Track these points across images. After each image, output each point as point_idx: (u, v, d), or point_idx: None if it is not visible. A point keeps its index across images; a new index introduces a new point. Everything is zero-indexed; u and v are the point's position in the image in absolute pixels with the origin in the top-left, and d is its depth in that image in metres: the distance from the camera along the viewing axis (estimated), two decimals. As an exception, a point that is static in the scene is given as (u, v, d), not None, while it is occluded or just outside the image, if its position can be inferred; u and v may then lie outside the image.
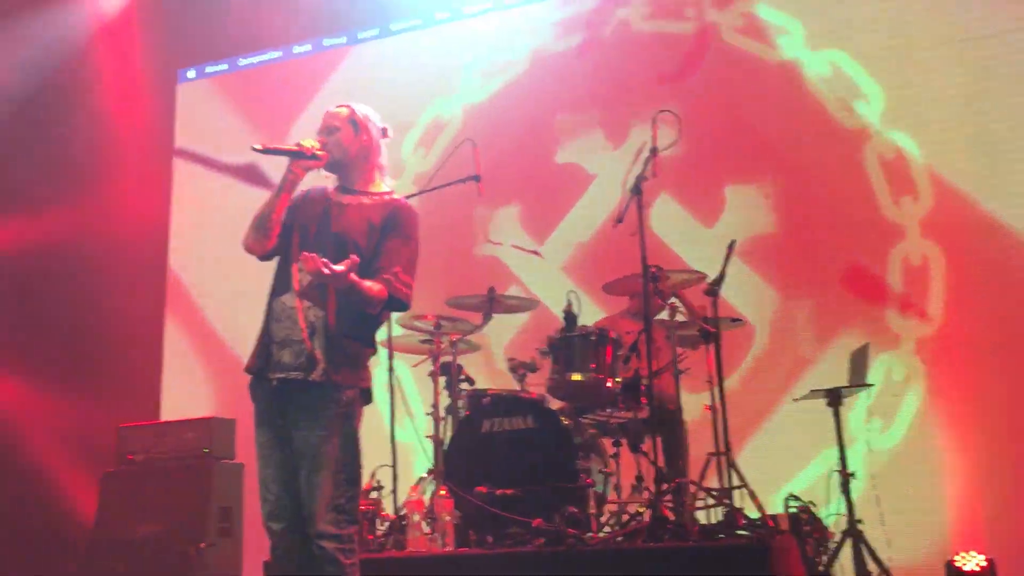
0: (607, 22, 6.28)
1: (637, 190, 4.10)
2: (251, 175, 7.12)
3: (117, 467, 5.59)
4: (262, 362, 2.84)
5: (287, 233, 2.90)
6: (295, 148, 2.86)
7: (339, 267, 2.64)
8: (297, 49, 7.29)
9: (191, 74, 7.64)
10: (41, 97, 7.21)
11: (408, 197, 4.60)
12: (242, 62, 7.47)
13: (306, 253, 2.66)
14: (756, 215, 5.68)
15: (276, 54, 7.36)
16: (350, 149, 2.95)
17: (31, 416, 6.86)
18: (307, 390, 2.76)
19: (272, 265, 2.96)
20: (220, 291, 7.04)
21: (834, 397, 4.59)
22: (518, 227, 6.25)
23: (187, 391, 6.96)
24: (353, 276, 2.68)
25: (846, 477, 4.46)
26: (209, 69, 7.57)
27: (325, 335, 2.78)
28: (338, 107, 3.02)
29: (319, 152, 2.89)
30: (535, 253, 5.73)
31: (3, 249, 7.15)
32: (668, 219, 5.76)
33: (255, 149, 2.86)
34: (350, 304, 2.79)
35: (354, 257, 2.68)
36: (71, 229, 7.10)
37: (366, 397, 2.88)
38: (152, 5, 7.50)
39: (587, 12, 6.37)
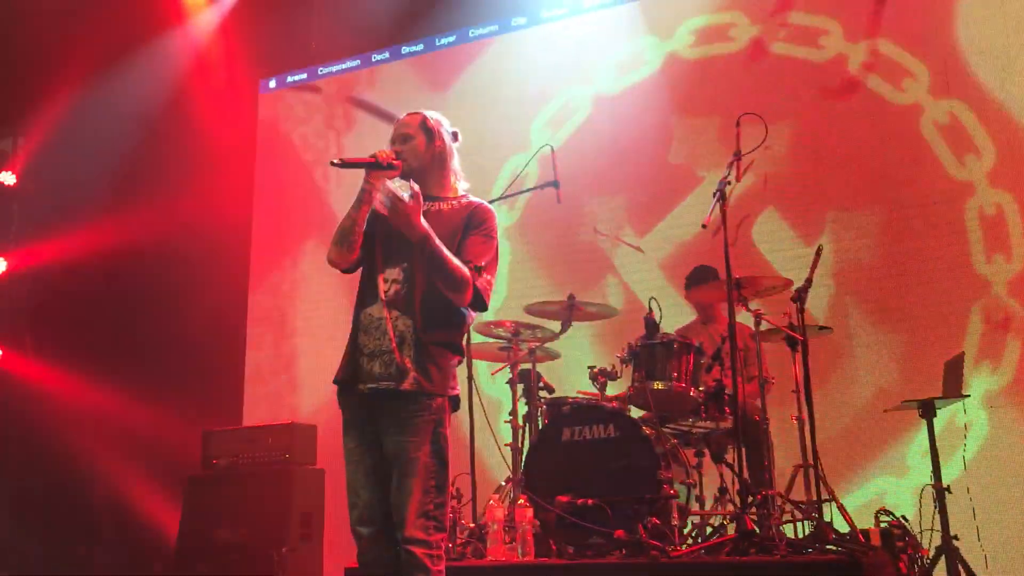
0: (741, 38, 6.20)
1: (721, 194, 4.01)
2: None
3: (202, 471, 5.71)
4: (351, 373, 2.86)
5: (369, 244, 2.92)
6: (371, 159, 2.87)
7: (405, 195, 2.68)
8: (376, 57, 7.38)
9: (272, 84, 7.78)
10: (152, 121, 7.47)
11: (492, 201, 4.67)
12: (322, 71, 7.57)
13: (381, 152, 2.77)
14: (852, 242, 5.58)
15: (355, 63, 7.44)
16: (425, 156, 2.97)
17: (118, 420, 7.06)
18: (398, 399, 2.77)
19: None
20: (302, 299, 7.15)
21: (928, 408, 4.42)
22: (624, 218, 6.25)
23: (268, 399, 7.06)
24: (425, 226, 2.71)
25: (941, 491, 4.28)
26: (290, 79, 7.69)
27: (414, 344, 2.79)
28: (409, 115, 3.04)
29: (395, 161, 2.90)
30: (638, 249, 5.74)
31: (105, 253, 7.40)
32: (770, 233, 5.77)
33: (333, 164, 2.87)
34: (436, 313, 2.80)
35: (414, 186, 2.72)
36: (164, 237, 7.32)
37: (454, 404, 2.89)
38: (237, 18, 7.64)
39: (726, 26, 6.29)
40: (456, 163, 3.04)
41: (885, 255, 5.50)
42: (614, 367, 4.27)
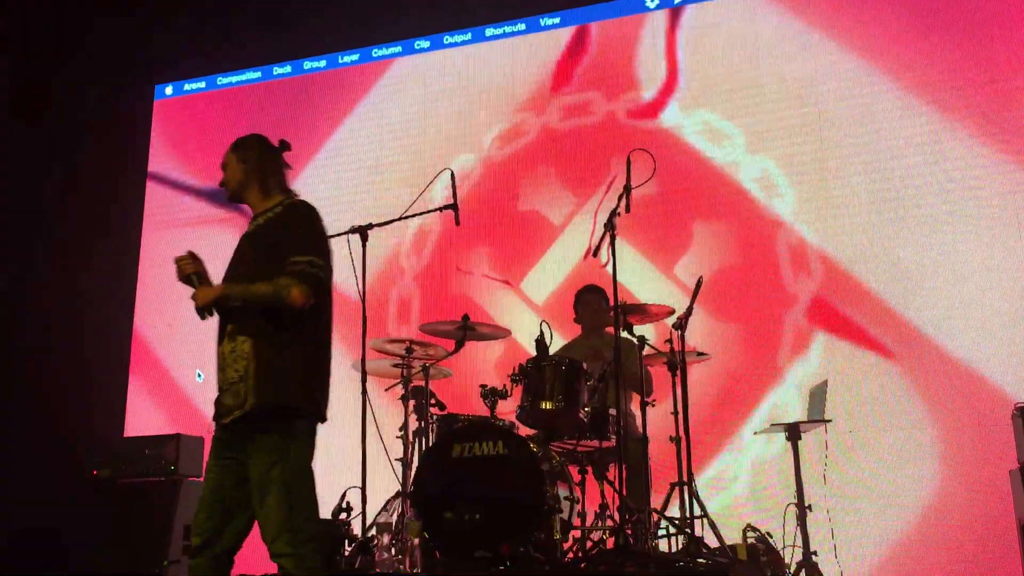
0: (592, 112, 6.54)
1: (611, 225, 4.23)
2: (222, 198, 7.15)
3: (81, 484, 5.57)
4: (215, 411, 3.02)
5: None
6: (192, 276, 3.05)
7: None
8: (278, 71, 7.37)
9: (168, 90, 7.66)
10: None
11: (388, 222, 4.77)
12: (221, 80, 7.51)
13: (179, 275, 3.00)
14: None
15: (256, 74, 7.42)
16: (237, 177, 3.16)
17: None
18: (250, 422, 2.89)
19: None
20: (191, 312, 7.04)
21: (793, 431, 4.75)
22: (489, 268, 6.42)
23: (151, 412, 6.94)
24: (205, 293, 2.94)
25: (803, 509, 4.59)
26: (188, 86, 7.59)
27: (256, 369, 2.90)
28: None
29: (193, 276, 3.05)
30: (506, 283, 5.90)
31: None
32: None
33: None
34: (270, 333, 2.93)
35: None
36: (52, 244, 7.12)
37: (313, 419, 3.00)
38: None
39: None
40: (275, 173, 3.18)
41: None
42: (505, 386, 4.42)
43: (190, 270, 3.05)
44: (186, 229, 7.20)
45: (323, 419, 3.06)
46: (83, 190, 7.24)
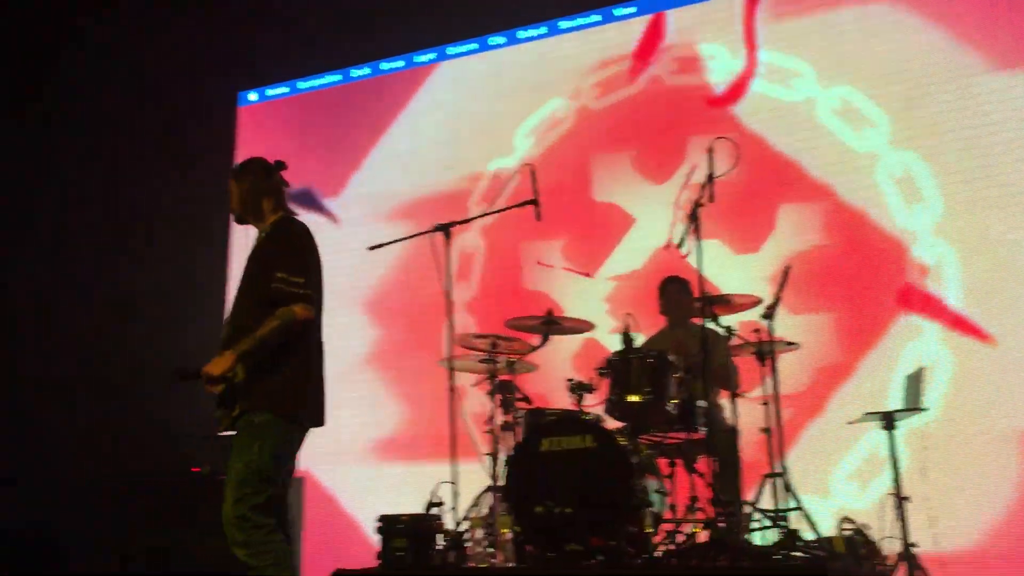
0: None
1: (694, 216, 4.19)
2: (307, 201, 7.32)
3: (182, 478, 5.77)
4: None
5: None
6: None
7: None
8: (356, 72, 7.48)
9: (252, 96, 7.84)
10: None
11: (466, 220, 4.82)
12: (301, 85, 7.66)
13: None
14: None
15: (336, 77, 7.54)
16: (238, 200, 3.43)
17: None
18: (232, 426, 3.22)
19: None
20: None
21: (889, 421, 4.63)
22: (562, 259, 6.37)
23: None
24: (220, 364, 3.15)
25: (901, 500, 4.48)
26: (270, 92, 7.76)
27: (235, 380, 3.19)
28: None
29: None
30: (586, 275, 5.89)
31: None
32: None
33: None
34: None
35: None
36: (140, 249, 7.36)
37: (286, 419, 3.20)
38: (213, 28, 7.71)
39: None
40: (272, 194, 3.42)
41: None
42: (592, 380, 4.42)
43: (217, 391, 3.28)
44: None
45: (297, 420, 3.25)
46: (177, 193, 7.47)
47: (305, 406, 3.26)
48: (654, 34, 6.55)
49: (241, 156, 7.66)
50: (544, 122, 6.74)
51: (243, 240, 7.41)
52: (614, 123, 6.55)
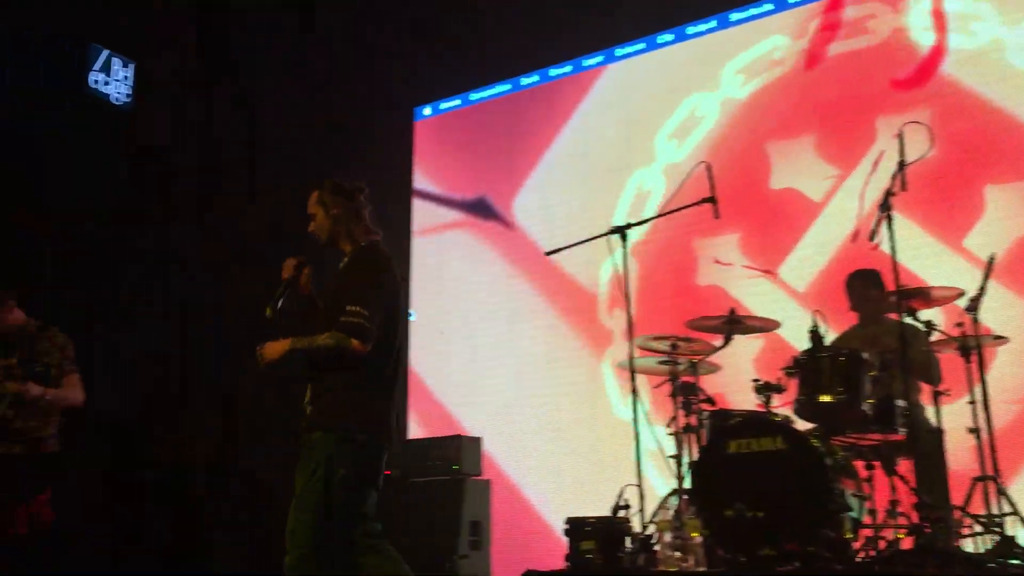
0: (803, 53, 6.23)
1: (886, 207, 3.99)
2: (483, 209, 7.49)
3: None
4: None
5: None
6: (287, 281, 3.44)
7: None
8: (525, 81, 7.58)
9: (427, 111, 8.10)
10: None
11: (642, 222, 4.79)
12: (473, 96, 7.84)
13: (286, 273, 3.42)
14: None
15: (506, 87, 7.67)
16: (325, 225, 3.50)
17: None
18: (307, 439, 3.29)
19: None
20: (459, 318, 7.42)
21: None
22: (739, 255, 6.16)
23: (429, 413, 7.35)
24: (275, 348, 3.30)
25: None
26: (443, 105, 7.99)
27: (317, 395, 3.31)
28: (312, 194, 3.54)
29: (300, 273, 3.47)
30: (767, 273, 5.70)
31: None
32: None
33: (269, 316, 3.36)
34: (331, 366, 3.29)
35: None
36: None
37: (359, 439, 3.25)
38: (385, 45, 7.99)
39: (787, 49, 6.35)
40: (360, 216, 3.50)
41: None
42: (779, 380, 4.28)
43: (285, 276, 3.43)
44: (448, 237, 7.61)
45: (367, 439, 3.29)
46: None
47: (362, 424, 3.30)
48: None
49: (419, 171, 7.96)
50: (713, 112, 6.60)
51: (425, 255, 7.72)
52: (789, 107, 6.29)
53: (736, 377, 5.25)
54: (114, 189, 7.21)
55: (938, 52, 5.82)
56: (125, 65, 7.55)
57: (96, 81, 7.34)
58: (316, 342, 3.27)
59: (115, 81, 7.48)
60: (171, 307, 7.40)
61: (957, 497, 4.12)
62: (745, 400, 4.60)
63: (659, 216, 4.75)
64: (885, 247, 3.98)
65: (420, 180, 7.94)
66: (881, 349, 4.34)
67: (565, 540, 4.41)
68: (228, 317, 7.26)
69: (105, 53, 7.40)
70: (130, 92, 7.56)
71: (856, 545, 3.92)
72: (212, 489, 7.00)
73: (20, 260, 5.83)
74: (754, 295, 5.99)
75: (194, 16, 7.74)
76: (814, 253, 5.93)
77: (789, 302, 5.88)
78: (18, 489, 4.18)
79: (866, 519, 4.11)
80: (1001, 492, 3.95)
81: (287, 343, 3.30)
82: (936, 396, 4.14)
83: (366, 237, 3.50)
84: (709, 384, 5.02)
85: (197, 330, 7.40)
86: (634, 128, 6.92)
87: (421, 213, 7.86)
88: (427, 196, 7.88)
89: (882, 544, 4.01)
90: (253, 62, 7.88)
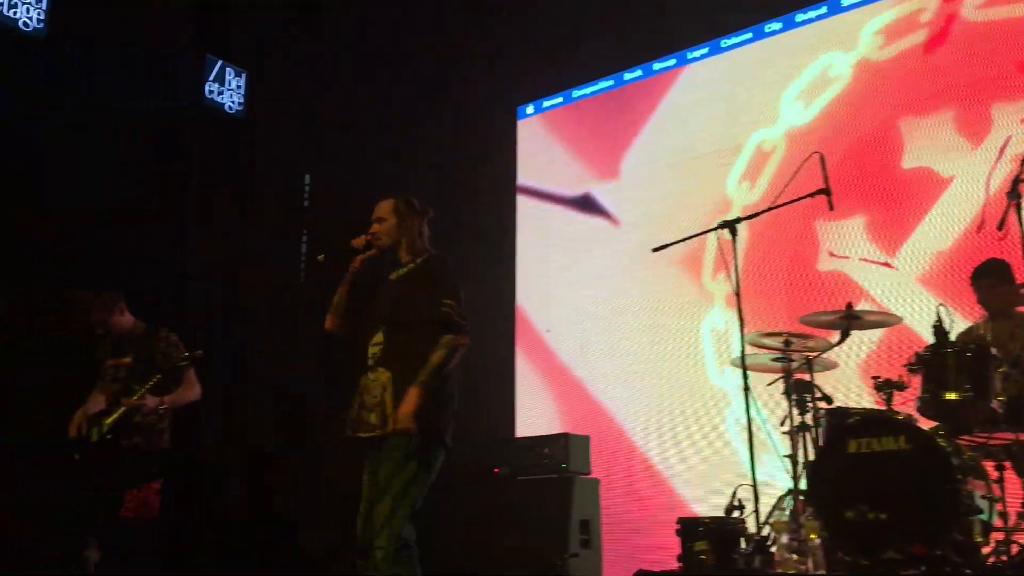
0: (936, 20, 5.91)
1: (1015, 194, 3.79)
2: (587, 205, 7.46)
3: (485, 479, 6.07)
4: (354, 425, 3.50)
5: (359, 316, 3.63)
6: (351, 248, 3.63)
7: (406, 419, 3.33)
8: (628, 76, 7.52)
9: (530, 110, 8.12)
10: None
11: (754, 215, 4.68)
12: (575, 94, 7.82)
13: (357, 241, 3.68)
14: None
15: (608, 83, 7.63)
16: (396, 233, 3.67)
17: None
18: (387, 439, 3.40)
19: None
20: (564, 317, 7.43)
21: None
22: (864, 239, 5.97)
23: (537, 411, 7.38)
24: (408, 407, 3.33)
25: None
26: (546, 104, 8.00)
27: (393, 396, 3.38)
28: (384, 202, 3.73)
29: (370, 248, 3.65)
30: (887, 265, 5.49)
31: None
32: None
33: (318, 260, 3.65)
34: (403, 369, 3.41)
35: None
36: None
37: (435, 443, 3.42)
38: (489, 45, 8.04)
39: (910, 14, 6.05)
40: (422, 233, 3.73)
41: None
42: (901, 377, 4.13)
43: (357, 243, 3.64)
44: (554, 232, 7.62)
45: (445, 444, 3.46)
46: (462, 206, 7.87)
47: (449, 427, 3.48)
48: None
49: (523, 169, 7.99)
50: (825, 93, 6.41)
51: (528, 249, 7.75)
52: (919, 82, 6.01)
53: (852, 373, 5.08)
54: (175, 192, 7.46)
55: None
56: (237, 74, 7.82)
57: (211, 91, 7.63)
58: (432, 364, 3.38)
59: (228, 90, 7.77)
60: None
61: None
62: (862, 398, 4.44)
63: (769, 210, 4.63)
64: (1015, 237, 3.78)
65: (524, 177, 7.98)
66: (1012, 344, 4.13)
67: (677, 540, 4.36)
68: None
69: (218, 63, 7.68)
70: (242, 100, 7.84)
71: (986, 549, 3.75)
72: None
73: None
74: (876, 283, 5.78)
75: (296, 23, 7.98)
76: (934, 242, 5.68)
77: (913, 293, 5.64)
78: (134, 477, 4.55)
79: (997, 522, 3.92)
80: None
81: (414, 393, 3.35)
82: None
83: (425, 251, 3.70)
84: (821, 380, 4.88)
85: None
86: (734, 120, 6.78)
87: (525, 209, 7.90)
88: (531, 192, 7.91)
89: (1014, 548, 3.83)
90: (355, 64, 8.06)
